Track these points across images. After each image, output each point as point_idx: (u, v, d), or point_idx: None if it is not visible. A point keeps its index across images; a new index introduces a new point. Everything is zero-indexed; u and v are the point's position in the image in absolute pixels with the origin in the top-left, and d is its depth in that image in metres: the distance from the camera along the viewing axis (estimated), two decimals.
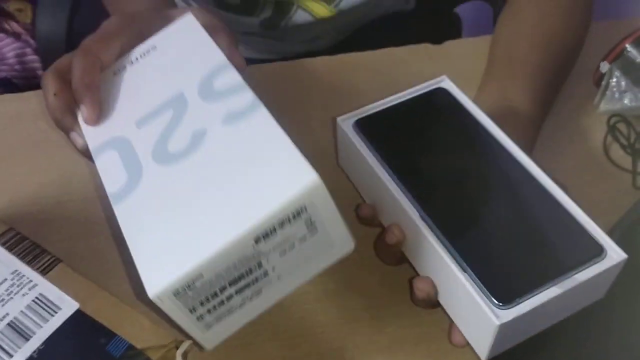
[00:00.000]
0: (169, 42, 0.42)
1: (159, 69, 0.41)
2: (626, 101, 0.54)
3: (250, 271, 0.32)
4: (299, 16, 0.70)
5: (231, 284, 0.32)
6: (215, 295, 0.32)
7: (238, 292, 0.32)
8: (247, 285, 0.32)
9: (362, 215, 0.45)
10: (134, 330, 0.34)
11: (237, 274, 0.32)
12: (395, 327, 0.44)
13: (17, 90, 0.92)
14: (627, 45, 0.54)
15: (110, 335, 0.34)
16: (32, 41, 0.99)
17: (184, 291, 0.31)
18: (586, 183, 0.51)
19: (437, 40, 0.64)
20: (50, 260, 0.37)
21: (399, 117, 0.45)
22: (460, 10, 0.93)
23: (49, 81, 0.41)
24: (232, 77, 0.37)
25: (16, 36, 0.99)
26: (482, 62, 0.58)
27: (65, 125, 0.41)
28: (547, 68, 0.54)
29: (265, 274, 0.33)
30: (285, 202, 0.31)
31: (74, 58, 0.41)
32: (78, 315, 0.34)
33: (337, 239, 0.34)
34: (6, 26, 1.00)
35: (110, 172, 0.36)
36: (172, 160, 0.35)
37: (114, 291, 0.44)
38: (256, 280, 0.33)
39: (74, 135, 0.40)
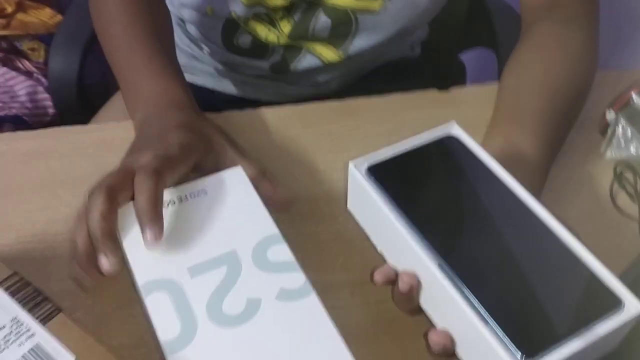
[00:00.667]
0: (220, 190, 0.44)
1: (210, 218, 0.43)
2: (632, 150, 0.55)
3: None
4: (308, 61, 0.71)
5: None
6: None
7: None
8: None
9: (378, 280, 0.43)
10: None
11: None
12: None
13: (27, 127, 0.94)
14: (633, 95, 0.55)
15: None
16: (43, 79, 1.01)
17: None
18: (593, 231, 0.51)
19: (442, 87, 0.65)
20: (51, 310, 0.37)
21: (411, 163, 0.45)
22: (465, 57, 0.95)
23: (99, 200, 0.40)
24: (284, 253, 0.41)
25: (28, 74, 1.01)
26: (488, 109, 0.58)
27: (102, 245, 0.40)
28: (554, 115, 0.55)
29: None
30: None
31: (141, 177, 0.41)
32: None
33: None
34: (19, 64, 1.02)
35: (163, 316, 0.38)
36: (227, 323, 0.38)
37: (115, 332, 0.44)
38: None
39: (103, 258, 0.40)
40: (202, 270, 0.40)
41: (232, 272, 0.40)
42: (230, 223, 0.42)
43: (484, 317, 0.36)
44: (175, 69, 0.56)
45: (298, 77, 0.74)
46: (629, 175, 0.55)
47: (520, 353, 0.35)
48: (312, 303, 0.39)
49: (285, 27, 0.67)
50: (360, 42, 0.68)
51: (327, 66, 0.71)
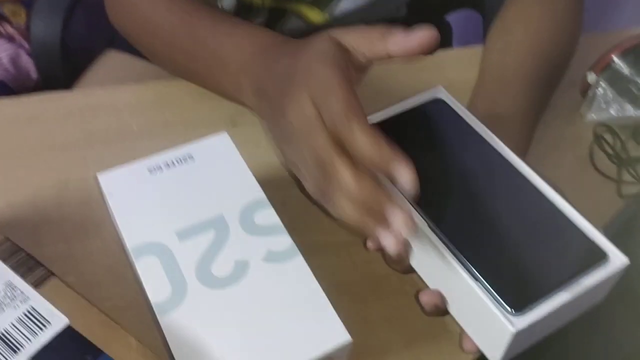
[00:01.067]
0: (206, 155, 0.45)
1: (197, 183, 0.43)
2: (612, 111, 0.56)
3: None
4: (293, 22, 0.71)
5: None
6: None
7: None
8: None
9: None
10: (121, 349, 0.35)
11: None
12: (385, 330, 0.45)
13: (11, 93, 0.93)
14: (614, 57, 0.56)
15: (97, 353, 0.34)
16: (26, 44, 0.99)
17: None
18: (572, 191, 0.52)
19: None
20: (43, 274, 0.38)
21: (399, 127, 0.46)
22: (451, 18, 0.94)
23: (348, 178, 0.36)
24: (271, 216, 0.42)
25: (10, 39, 1.00)
26: (474, 71, 0.59)
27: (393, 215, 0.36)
28: (538, 76, 0.55)
29: None
30: (320, 353, 0.37)
31: (363, 133, 0.36)
32: (67, 331, 0.35)
33: None
34: (0, 29, 1.00)
35: (153, 279, 0.39)
36: (216, 285, 0.38)
37: (107, 295, 0.45)
38: None
39: (386, 235, 0.36)
40: (191, 234, 0.40)
41: (220, 235, 0.41)
42: (217, 188, 0.43)
43: (474, 274, 0.37)
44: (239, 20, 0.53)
45: None
46: (608, 137, 0.56)
47: (509, 307, 0.36)
48: (299, 264, 0.40)
49: None
50: (345, 4, 0.68)
51: (312, 28, 0.71)
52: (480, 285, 0.37)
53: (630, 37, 0.56)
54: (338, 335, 0.37)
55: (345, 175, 0.36)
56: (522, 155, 0.50)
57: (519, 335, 0.36)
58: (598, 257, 0.39)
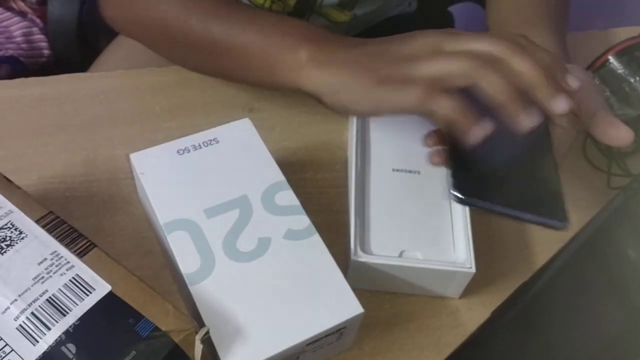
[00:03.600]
0: (230, 139, 0.48)
1: (222, 165, 0.46)
2: None
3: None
4: (315, 21, 0.73)
5: None
6: None
7: None
8: None
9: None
10: (159, 313, 0.37)
11: None
12: (390, 304, 0.49)
13: (23, 68, 0.95)
14: (610, 57, 0.59)
15: (138, 316, 0.37)
16: (38, 20, 1.01)
17: None
18: (566, 180, 0.56)
19: None
20: (86, 245, 0.40)
21: None
22: (453, 9, 0.98)
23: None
24: (290, 197, 0.46)
25: (22, 15, 1.02)
26: None
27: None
28: (555, 15, 0.57)
29: None
30: (335, 323, 0.40)
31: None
32: (110, 297, 0.37)
33: (350, 340, 0.45)
34: (13, 5, 1.02)
35: (184, 252, 0.42)
36: (241, 259, 0.42)
37: (133, 266, 0.48)
38: None
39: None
40: (217, 212, 0.44)
41: (244, 214, 0.44)
42: (241, 170, 0.46)
43: None
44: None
45: None
46: None
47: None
48: (316, 242, 0.43)
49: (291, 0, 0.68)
50: (368, 3, 0.70)
51: (334, 25, 0.74)
52: None
53: (626, 38, 0.59)
54: (351, 307, 0.41)
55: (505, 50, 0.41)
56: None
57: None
58: (560, 216, 0.43)
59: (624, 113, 0.57)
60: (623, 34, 0.64)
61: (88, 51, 0.86)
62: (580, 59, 0.63)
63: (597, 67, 0.59)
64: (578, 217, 0.46)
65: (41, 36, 1.02)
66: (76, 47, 0.87)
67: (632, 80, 0.58)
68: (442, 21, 0.96)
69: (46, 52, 1.02)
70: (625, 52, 0.59)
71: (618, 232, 0.55)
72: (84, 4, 0.90)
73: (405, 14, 0.83)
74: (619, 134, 0.45)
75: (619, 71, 0.58)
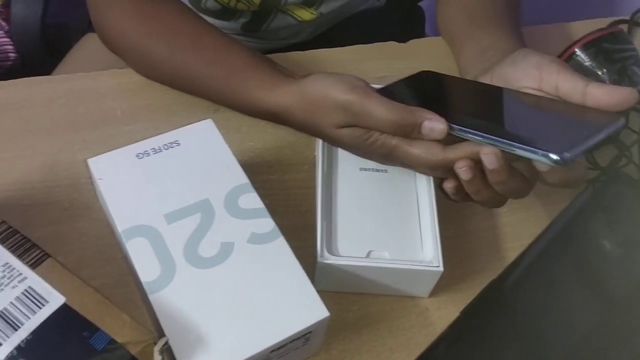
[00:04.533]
0: (192, 141, 0.47)
1: (184, 168, 0.45)
2: None
3: None
4: (280, 20, 0.72)
5: None
6: None
7: None
8: None
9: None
10: (115, 325, 0.36)
11: None
12: (359, 305, 0.48)
13: None
14: (576, 49, 0.59)
15: (93, 329, 0.36)
16: (3, 23, 0.99)
17: None
18: None
19: (404, 33, 0.68)
20: (40, 255, 0.39)
21: (402, 88, 0.51)
22: (424, 4, 0.97)
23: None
24: (254, 200, 0.44)
25: None
26: (445, 59, 0.62)
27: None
28: (508, 14, 0.58)
29: None
30: (301, 328, 0.39)
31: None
32: (64, 309, 0.36)
33: (317, 344, 0.44)
34: None
35: (144, 260, 0.41)
36: (203, 265, 0.41)
37: (95, 274, 0.47)
38: None
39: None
40: (178, 217, 0.43)
41: (206, 218, 0.43)
42: (203, 172, 0.45)
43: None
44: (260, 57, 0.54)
45: (269, 34, 0.76)
46: None
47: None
48: (280, 245, 0.42)
49: None
50: (334, 1, 0.70)
51: (300, 24, 0.73)
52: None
53: (592, 30, 0.59)
54: (317, 311, 0.40)
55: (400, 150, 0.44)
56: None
57: None
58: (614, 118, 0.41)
59: None
60: (590, 25, 0.64)
61: (55, 54, 0.84)
62: (546, 52, 0.63)
63: (563, 60, 0.59)
64: (547, 212, 0.46)
65: (6, 39, 1.00)
66: (42, 49, 0.85)
67: (599, 72, 0.58)
68: (412, 17, 0.95)
69: (12, 55, 1.00)
70: (592, 45, 0.59)
71: (592, 224, 0.54)
72: (47, 5, 0.88)
73: (373, 9, 0.82)
74: (622, 95, 0.42)
75: (586, 64, 0.58)
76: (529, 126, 0.43)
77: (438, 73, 0.53)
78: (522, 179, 0.43)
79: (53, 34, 0.87)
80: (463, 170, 0.42)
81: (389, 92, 0.49)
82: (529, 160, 0.41)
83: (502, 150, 0.41)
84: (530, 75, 0.45)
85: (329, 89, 0.45)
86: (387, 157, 0.46)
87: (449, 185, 0.45)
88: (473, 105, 0.48)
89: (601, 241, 0.54)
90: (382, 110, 0.43)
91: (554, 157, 0.38)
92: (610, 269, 0.52)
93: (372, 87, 0.46)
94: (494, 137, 0.40)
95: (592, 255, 0.53)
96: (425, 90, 0.51)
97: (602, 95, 0.42)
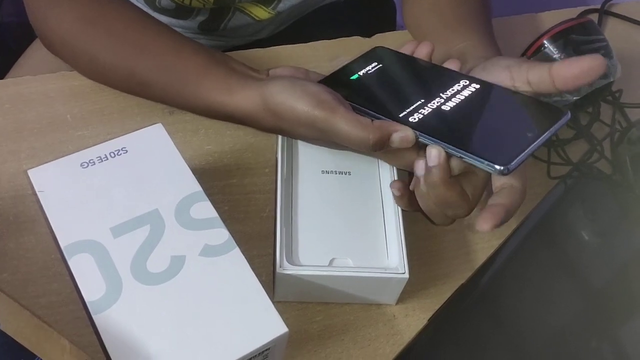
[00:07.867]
0: (141, 148, 0.44)
1: (131, 176, 0.42)
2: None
3: None
4: (238, 18, 0.70)
5: None
6: None
7: None
8: None
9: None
10: (54, 351, 0.34)
11: None
12: (323, 316, 0.46)
13: None
14: (545, 41, 0.57)
15: (30, 356, 0.33)
16: None
17: None
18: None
19: (372, 24, 0.67)
20: None
21: (353, 70, 0.50)
22: None
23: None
24: (208, 209, 0.42)
25: None
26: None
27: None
28: (474, 15, 0.57)
29: None
30: (257, 346, 0.37)
31: None
32: None
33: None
34: None
35: (87, 277, 0.38)
36: (152, 281, 0.38)
37: (42, 292, 0.44)
38: None
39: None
40: (125, 230, 0.40)
41: (156, 230, 0.40)
42: (152, 181, 0.43)
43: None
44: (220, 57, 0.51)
45: (229, 32, 0.73)
46: None
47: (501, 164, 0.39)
48: (236, 257, 0.40)
49: None
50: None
51: (258, 23, 0.70)
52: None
53: (561, 21, 0.57)
54: (275, 326, 0.38)
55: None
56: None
57: None
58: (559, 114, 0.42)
59: (561, 98, 0.54)
60: (560, 16, 0.62)
61: (9, 55, 0.81)
62: (514, 44, 0.61)
63: (532, 51, 0.57)
64: (520, 209, 0.44)
65: None
66: None
67: None
68: (383, 9, 0.93)
69: None
70: (561, 36, 0.57)
71: (560, 221, 0.53)
72: (1, 4, 0.85)
73: (338, 3, 0.79)
74: (584, 64, 0.41)
75: (555, 56, 0.56)
76: (478, 129, 0.42)
77: (391, 50, 0.52)
78: (461, 194, 0.42)
79: (7, 34, 0.84)
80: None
81: (340, 81, 0.48)
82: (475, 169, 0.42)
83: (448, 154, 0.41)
84: (502, 76, 0.45)
85: (294, 103, 0.43)
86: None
87: (395, 187, 0.46)
88: (424, 93, 0.45)
89: (580, 232, 0.53)
90: (349, 129, 0.42)
91: (498, 167, 0.39)
92: (589, 259, 0.51)
93: (339, 99, 0.44)
94: (444, 143, 0.41)
95: (571, 247, 0.52)
96: (377, 75, 0.49)
97: (565, 70, 0.42)
